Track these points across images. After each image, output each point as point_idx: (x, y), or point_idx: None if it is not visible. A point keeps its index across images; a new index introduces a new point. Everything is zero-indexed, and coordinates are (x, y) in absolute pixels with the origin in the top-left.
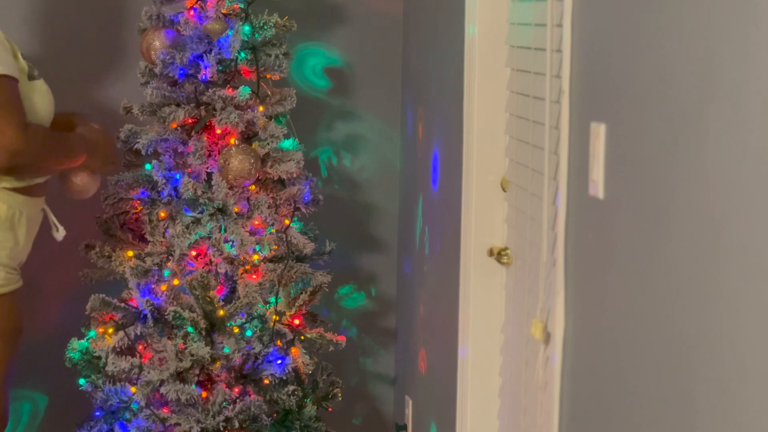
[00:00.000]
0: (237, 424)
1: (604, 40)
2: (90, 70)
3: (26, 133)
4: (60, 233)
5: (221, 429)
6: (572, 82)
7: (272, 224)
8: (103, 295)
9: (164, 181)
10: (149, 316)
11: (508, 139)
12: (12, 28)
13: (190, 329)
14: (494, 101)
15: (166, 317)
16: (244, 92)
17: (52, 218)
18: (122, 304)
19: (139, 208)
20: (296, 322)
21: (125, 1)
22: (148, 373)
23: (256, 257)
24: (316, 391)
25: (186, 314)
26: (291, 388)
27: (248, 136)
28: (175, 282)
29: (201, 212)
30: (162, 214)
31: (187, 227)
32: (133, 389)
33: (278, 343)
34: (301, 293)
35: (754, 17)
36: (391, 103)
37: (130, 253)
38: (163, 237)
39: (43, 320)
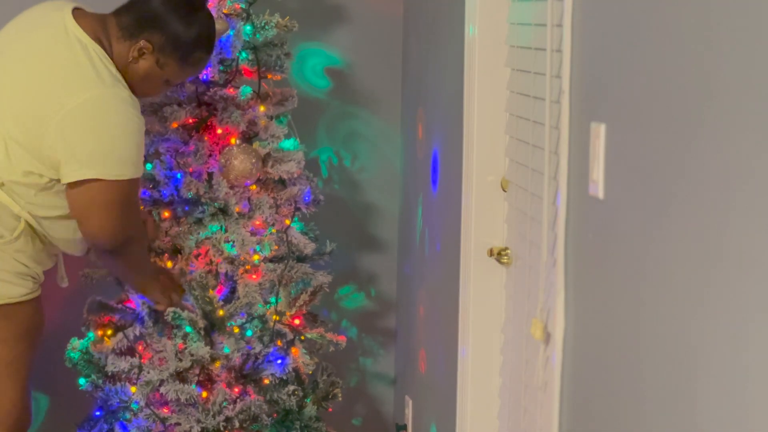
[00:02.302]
0: (237, 424)
1: (604, 40)
2: None
3: (127, 240)
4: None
5: (221, 429)
6: (572, 82)
7: (273, 224)
8: (100, 298)
9: (165, 180)
10: (146, 317)
11: (508, 139)
12: None
13: (188, 329)
14: (494, 101)
15: (165, 317)
16: (245, 92)
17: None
18: (119, 306)
19: (141, 207)
20: (296, 322)
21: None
22: (148, 373)
23: (256, 257)
24: (316, 391)
25: (185, 314)
26: (291, 388)
27: (249, 136)
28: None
29: (202, 212)
30: (166, 214)
31: (190, 227)
32: (133, 389)
33: (278, 343)
34: (302, 293)
35: (754, 17)
36: (391, 103)
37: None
38: (166, 235)
39: (44, 320)
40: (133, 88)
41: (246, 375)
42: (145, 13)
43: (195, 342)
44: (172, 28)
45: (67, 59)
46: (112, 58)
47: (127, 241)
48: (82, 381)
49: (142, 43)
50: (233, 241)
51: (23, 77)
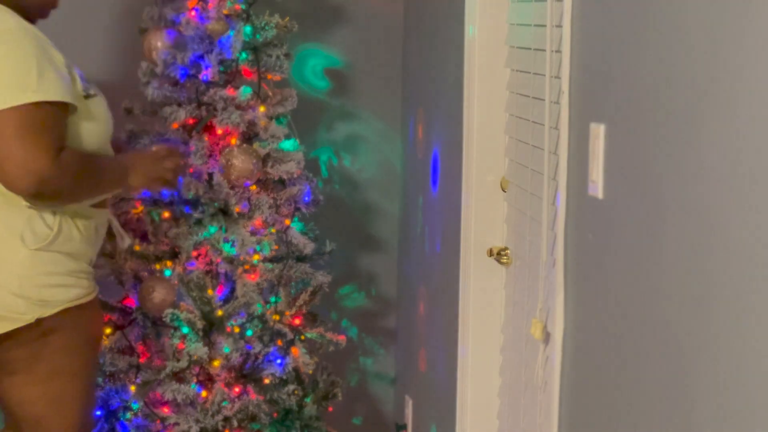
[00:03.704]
0: (236, 424)
1: (604, 40)
2: (91, 70)
3: (59, 158)
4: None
5: (220, 428)
6: (572, 82)
7: (273, 224)
8: (100, 296)
9: None
10: (142, 317)
11: (508, 139)
12: None
13: (185, 330)
14: (494, 101)
15: (163, 318)
16: (245, 92)
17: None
18: (119, 305)
19: (140, 207)
20: (296, 321)
21: (127, 2)
22: (145, 372)
23: (256, 257)
24: (316, 391)
25: (183, 315)
26: (291, 387)
27: (249, 137)
28: (175, 283)
29: (202, 212)
30: (165, 215)
31: (190, 228)
32: (132, 388)
33: (278, 342)
34: (302, 293)
35: (753, 17)
36: (391, 103)
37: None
38: (166, 236)
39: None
40: (29, 6)
41: (246, 375)
42: None
43: (193, 343)
44: None
45: None
46: None
47: (58, 165)
48: None
49: None
50: (233, 241)
51: None
